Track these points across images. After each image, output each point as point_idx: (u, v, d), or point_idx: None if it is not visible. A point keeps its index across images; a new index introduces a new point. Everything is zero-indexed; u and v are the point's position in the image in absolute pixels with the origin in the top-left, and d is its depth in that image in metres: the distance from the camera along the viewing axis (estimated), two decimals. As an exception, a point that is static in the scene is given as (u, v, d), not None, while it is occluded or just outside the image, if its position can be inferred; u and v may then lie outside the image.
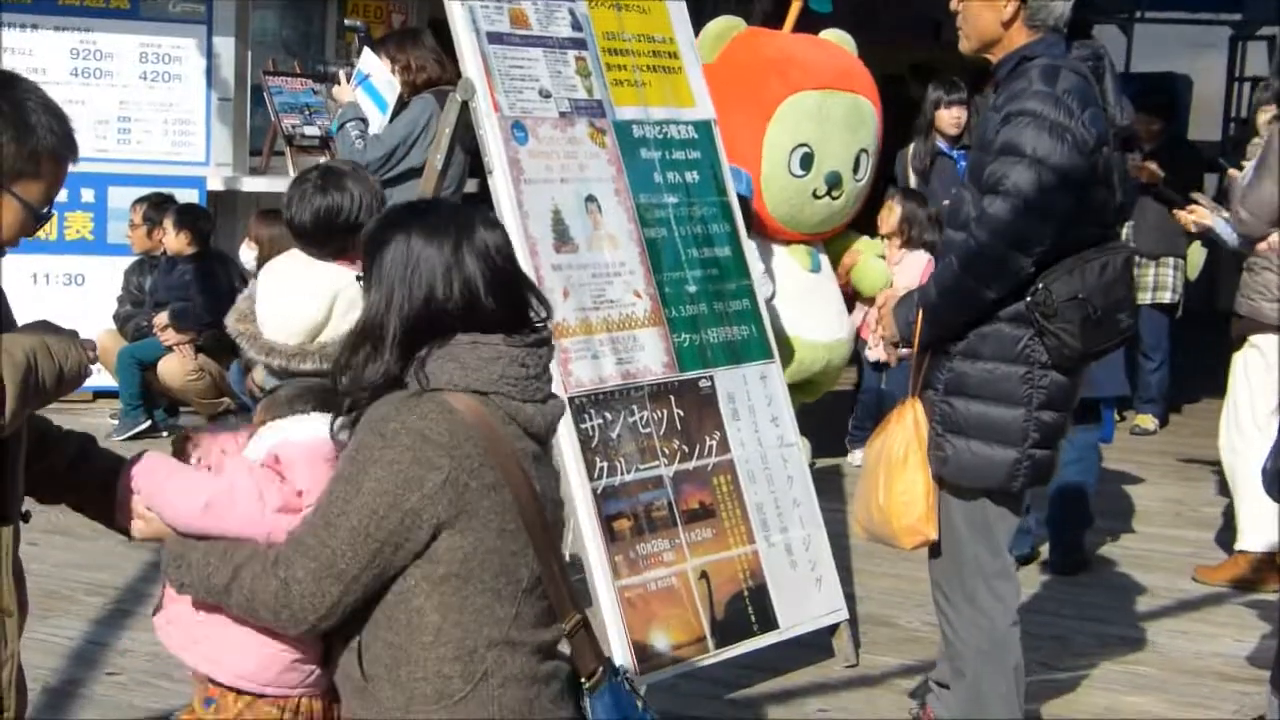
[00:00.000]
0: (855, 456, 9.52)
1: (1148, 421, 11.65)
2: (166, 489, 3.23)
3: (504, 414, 3.09)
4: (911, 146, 10.19)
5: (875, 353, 8.65)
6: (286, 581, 3.02)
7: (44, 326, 3.22)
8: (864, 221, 9.39)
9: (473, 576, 3.04)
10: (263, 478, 3.21)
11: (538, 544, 3.10)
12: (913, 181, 10.03)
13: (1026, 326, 4.95)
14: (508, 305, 3.14)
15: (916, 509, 5.07)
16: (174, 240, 10.02)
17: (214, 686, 3.31)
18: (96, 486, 3.52)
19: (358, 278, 3.29)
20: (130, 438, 9.80)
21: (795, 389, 7.33)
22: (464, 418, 3.02)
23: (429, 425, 3.00)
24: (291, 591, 3.01)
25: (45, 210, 3.26)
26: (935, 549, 5.21)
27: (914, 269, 8.96)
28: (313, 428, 3.29)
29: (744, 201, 8.00)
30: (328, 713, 3.31)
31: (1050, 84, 4.87)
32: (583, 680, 3.23)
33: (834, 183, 8.55)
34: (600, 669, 3.25)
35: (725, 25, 8.57)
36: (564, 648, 3.28)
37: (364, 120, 8.04)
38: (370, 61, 8.21)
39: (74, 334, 3.23)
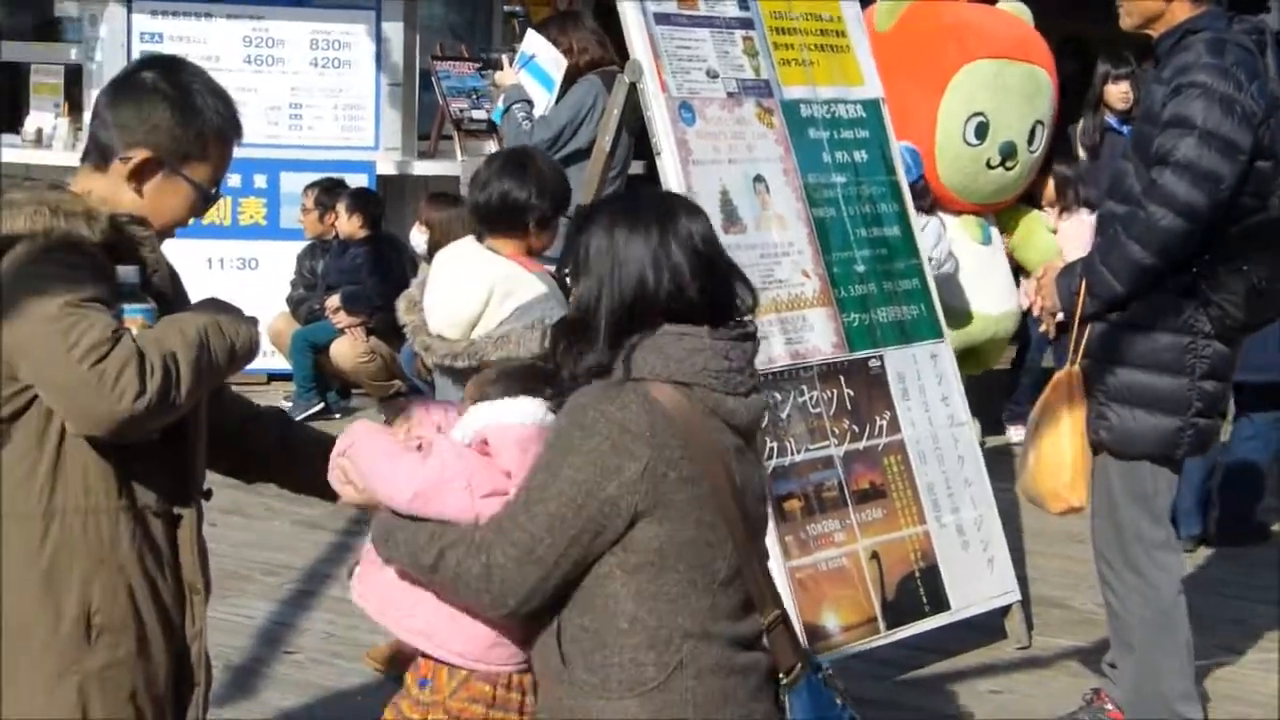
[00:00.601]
0: (1012, 433, 9.50)
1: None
2: (379, 471, 3.26)
3: (706, 406, 3.07)
4: (1081, 122, 10.05)
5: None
6: (489, 565, 3.04)
7: (213, 304, 3.28)
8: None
9: (668, 566, 3.03)
10: (472, 463, 3.23)
11: (736, 537, 3.08)
12: (1083, 158, 9.89)
13: (1190, 297, 4.98)
14: (713, 293, 3.13)
15: (1063, 475, 5.12)
16: (346, 224, 10.15)
17: (425, 663, 3.33)
18: (305, 462, 3.58)
19: (555, 274, 3.26)
20: (304, 419, 9.95)
21: (959, 360, 7.26)
22: (664, 408, 3.02)
23: (628, 415, 3.00)
24: (493, 575, 3.03)
25: (213, 191, 3.32)
26: (1096, 521, 5.21)
27: (1077, 232, 8.87)
28: (522, 411, 3.29)
29: (920, 182, 7.95)
30: (536, 688, 3.31)
31: (1218, 56, 4.87)
32: (781, 676, 3.19)
33: (1008, 153, 8.46)
34: (799, 665, 3.21)
35: (902, -6, 8.50)
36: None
37: (529, 102, 8.08)
38: (534, 41, 8.24)
39: (240, 311, 3.28)
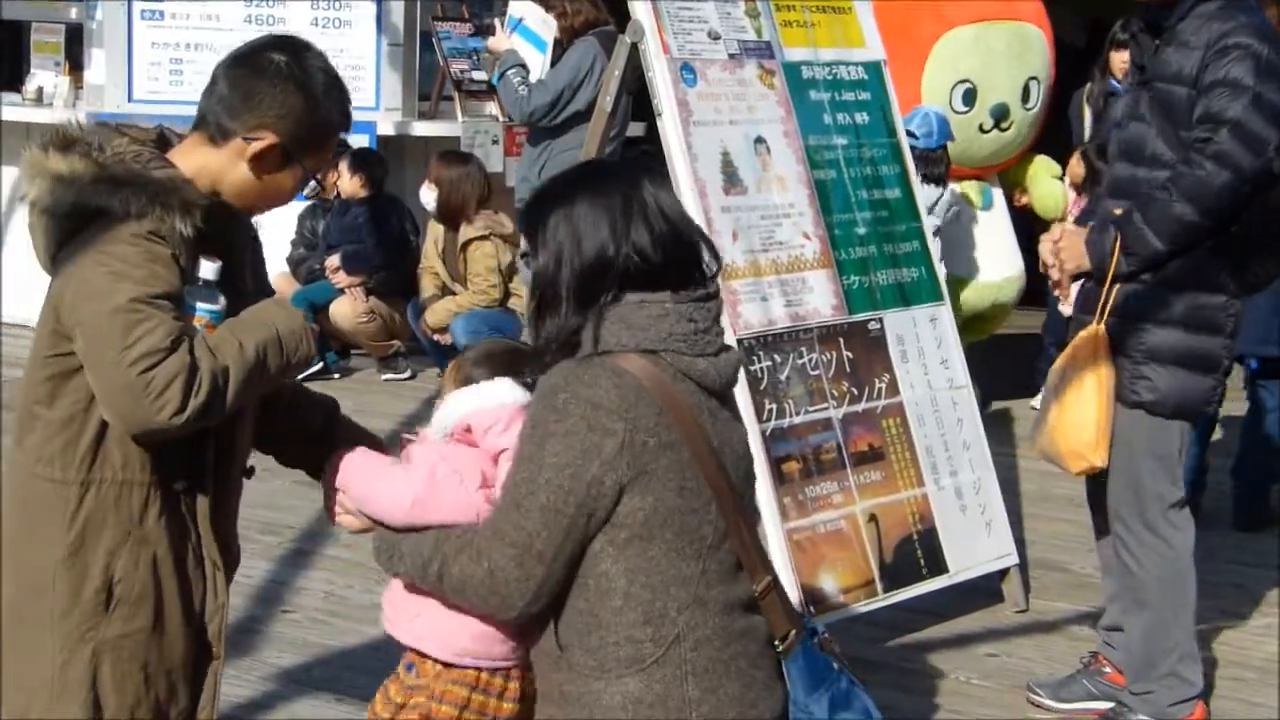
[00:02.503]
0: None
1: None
2: (373, 492, 3.30)
3: (676, 371, 3.06)
4: (1088, 86, 10.02)
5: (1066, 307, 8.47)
6: (491, 571, 3.04)
7: (282, 315, 3.22)
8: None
9: (655, 537, 3.02)
10: (456, 458, 3.24)
11: (721, 499, 3.07)
12: (1088, 120, 9.88)
13: (1223, 256, 5.00)
14: (677, 259, 3.11)
15: (1086, 434, 5.11)
16: (348, 183, 10.13)
17: (414, 653, 3.38)
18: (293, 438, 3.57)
19: (523, 255, 3.25)
20: (302, 379, 9.93)
21: (963, 328, 7.27)
22: (634, 378, 3.00)
23: (598, 392, 2.99)
24: (497, 579, 3.03)
25: (316, 177, 3.33)
26: (1115, 480, 5.20)
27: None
28: (501, 393, 3.30)
29: (938, 150, 7.93)
30: (523, 680, 3.33)
31: (1255, 18, 4.94)
32: (776, 643, 3.18)
33: (1000, 115, 8.47)
34: (793, 631, 3.20)
35: (877, -39, 8.46)
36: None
37: (524, 67, 8.06)
38: (521, 5, 8.23)
39: (304, 321, 3.24)
